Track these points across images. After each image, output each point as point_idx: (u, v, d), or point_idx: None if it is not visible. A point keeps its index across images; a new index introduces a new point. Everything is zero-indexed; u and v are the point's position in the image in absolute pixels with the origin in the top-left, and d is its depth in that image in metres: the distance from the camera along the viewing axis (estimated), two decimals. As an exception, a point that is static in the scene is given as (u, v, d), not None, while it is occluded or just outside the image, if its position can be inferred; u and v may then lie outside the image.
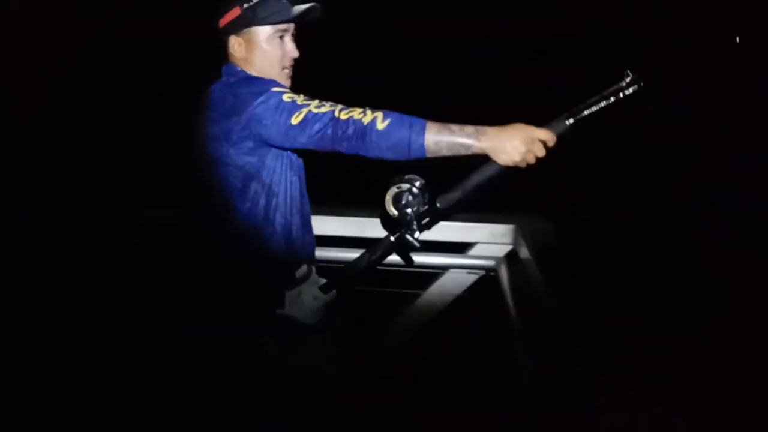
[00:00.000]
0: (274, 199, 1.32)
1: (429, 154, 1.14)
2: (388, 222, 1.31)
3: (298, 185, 1.40)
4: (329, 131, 1.16)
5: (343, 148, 1.16)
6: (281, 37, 1.34)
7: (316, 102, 1.20)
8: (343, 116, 1.15)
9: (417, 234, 1.25)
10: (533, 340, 1.51)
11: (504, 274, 1.81)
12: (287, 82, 1.38)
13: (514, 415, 1.58)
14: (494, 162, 1.16)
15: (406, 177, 1.27)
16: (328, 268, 1.53)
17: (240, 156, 1.26)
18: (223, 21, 1.33)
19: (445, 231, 1.86)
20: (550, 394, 1.30)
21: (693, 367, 1.08)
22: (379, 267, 1.84)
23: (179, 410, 1.49)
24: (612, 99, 1.13)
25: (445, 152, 1.14)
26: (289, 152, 1.34)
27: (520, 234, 1.78)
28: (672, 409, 0.93)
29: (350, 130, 1.14)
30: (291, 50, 1.37)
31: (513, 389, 1.55)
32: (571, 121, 1.16)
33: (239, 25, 1.32)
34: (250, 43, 1.33)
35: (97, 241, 2.06)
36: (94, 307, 1.97)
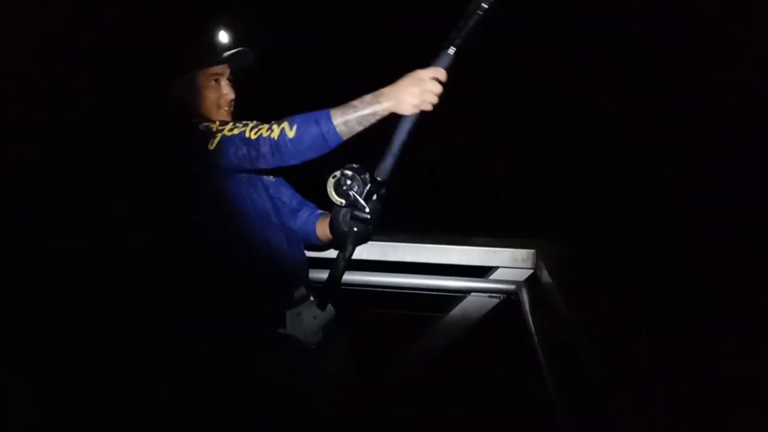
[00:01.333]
0: (243, 217, 1.33)
1: (345, 137, 1.17)
2: (343, 215, 1.33)
3: (266, 199, 1.40)
4: (245, 153, 1.18)
5: (263, 164, 1.19)
6: (216, 80, 1.38)
7: (229, 125, 1.23)
8: (253, 136, 1.17)
9: (367, 210, 1.27)
10: (555, 364, 1.51)
11: (525, 298, 1.81)
12: (228, 119, 1.41)
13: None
14: (403, 115, 1.19)
15: (344, 167, 1.29)
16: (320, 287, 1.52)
17: (196, 179, 1.30)
18: (167, 65, 1.38)
19: (466, 255, 1.89)
20: (574, 417, 1.30)
21: (692, 367, 1.07)
22: (402, 290, 1.84)
23: (178, 411, 1.49)
24: (480, 13, 1.14)
25: (357, 128, 1.17)
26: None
27: (541, 258, 1.79)
28: (673, 410, 0.93)
29: (264, 148, 1.16)
30: (227, 93, 1.41)
31: (534, 413, 1.55)
32: (453, 49, 1.18)
33: (178, 69, 1.37)
34: (188, 85, 1.37)
35: (97, 241, 2.06)
36: (94, 307, 1.97)
